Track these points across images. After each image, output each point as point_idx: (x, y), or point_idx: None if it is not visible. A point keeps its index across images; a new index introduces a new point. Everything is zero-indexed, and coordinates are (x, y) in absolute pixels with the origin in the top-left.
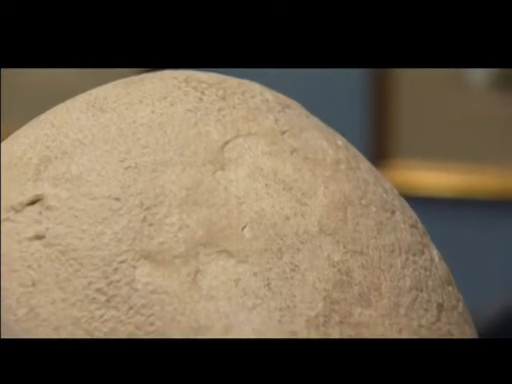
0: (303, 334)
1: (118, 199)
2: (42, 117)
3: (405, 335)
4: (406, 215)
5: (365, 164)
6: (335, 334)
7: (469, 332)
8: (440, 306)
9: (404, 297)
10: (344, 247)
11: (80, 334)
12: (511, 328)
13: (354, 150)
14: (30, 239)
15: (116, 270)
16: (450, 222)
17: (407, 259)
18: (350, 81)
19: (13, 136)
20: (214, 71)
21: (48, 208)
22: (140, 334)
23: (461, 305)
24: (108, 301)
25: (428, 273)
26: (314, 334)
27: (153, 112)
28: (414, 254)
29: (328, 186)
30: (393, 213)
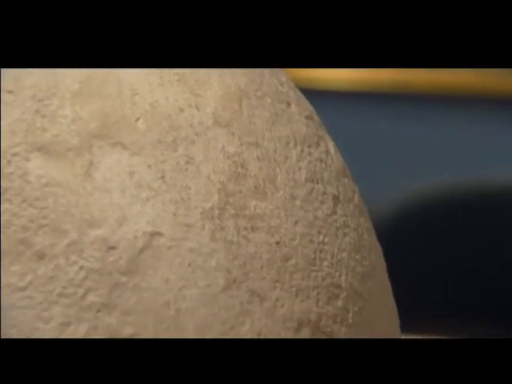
0: (198, 227)
1: (10, 92)
2: None
3: (300, 227)
4: (301, 107)
5: None
6: (230, 226)
7: (364, 224)
8: (336, 198)
9: (299, 189)
10: (239, 139)
11: None
12: (406, 221)
13: None
14: None
15: (9, 162)
16: (346, 115)
17: (302, 151)
18: None
19: None
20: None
21: None
22: (33, 228)
23: (356, 197)
24: (2, 194)
25: (323, 165)
26: (208, 227)
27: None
28: (309, 146)
29: (223, 78)
30: (288, 104)
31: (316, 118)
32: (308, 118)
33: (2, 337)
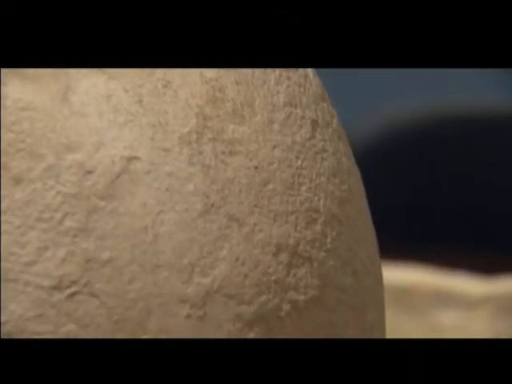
0: (176, 151)
1: None
2: None
3: (278, 152)
4: None
5: None
6: (208, 150)
7: (342, 148)
8: (314, 123)
9: (278, 113)
10: None
11: None
12: (385, 146)
13: None
14: None
15: None
16: None
17: (281, 75)
18: None
19: None
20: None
21: None
22: (11, 151)
23: (335, 121)
24: None
25: (302, 89)
26: (186, 151)
27: None
28: (287, 70)
29: None
30: None
31: None
32: None
33: None
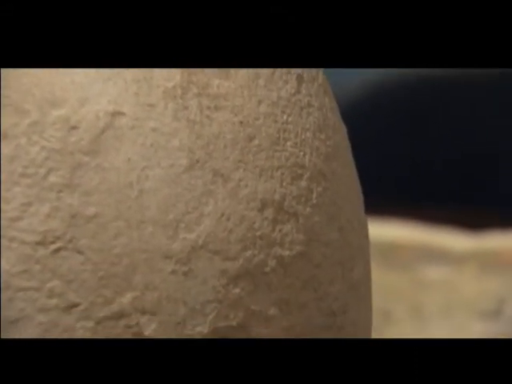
0: (160, 106)
1: None
2: None
3: (264, 107)
4: None
5: None
6: (193, 105)
7: (328, 103)
8: (300, 78)
9: (263, 68)
10: None
11: None
12: (371, 101)
13: None
14: None
15: None
16: None
17: None
18: None
19: None
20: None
21: None
22: None
23: (321, 76)
24: None
25: None
26: (171, 106)
27: None
28: None
29: None
30: None
31: None
32: None
33: None
